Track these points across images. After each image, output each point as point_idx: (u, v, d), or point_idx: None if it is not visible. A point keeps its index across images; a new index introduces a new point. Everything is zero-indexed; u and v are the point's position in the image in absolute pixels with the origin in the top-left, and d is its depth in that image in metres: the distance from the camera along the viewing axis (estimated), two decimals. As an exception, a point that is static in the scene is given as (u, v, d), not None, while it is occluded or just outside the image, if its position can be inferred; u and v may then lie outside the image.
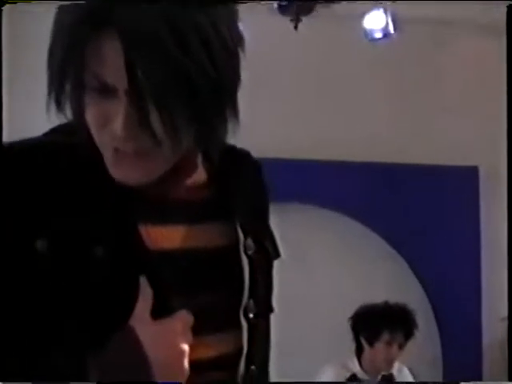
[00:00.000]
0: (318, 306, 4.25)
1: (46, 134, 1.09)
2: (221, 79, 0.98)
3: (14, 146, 1.05)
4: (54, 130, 1.09)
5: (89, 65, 0.96)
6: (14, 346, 0.99)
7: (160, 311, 1.04)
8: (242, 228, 1.15)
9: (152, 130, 0.97)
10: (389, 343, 3.51)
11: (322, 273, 4.33)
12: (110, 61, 0.95)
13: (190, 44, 0.94)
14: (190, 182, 1.11)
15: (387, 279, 4.41)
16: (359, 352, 3.59)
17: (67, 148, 1.05)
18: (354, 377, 3.56)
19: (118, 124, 0.97)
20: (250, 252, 1.15)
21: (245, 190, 1.19)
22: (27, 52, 3.29)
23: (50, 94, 1.01)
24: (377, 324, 3.52)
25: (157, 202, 1.08)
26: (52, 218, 1.02)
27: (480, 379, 4.34)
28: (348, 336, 3.66)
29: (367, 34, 3.94)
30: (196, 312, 1.06)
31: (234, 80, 1.02)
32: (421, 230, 4.41)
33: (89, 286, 1.01)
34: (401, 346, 3.53)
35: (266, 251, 1.21)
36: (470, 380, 4.20)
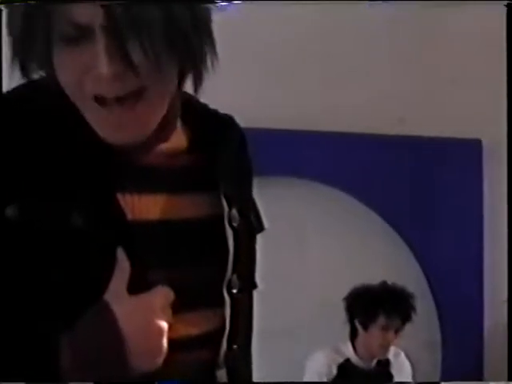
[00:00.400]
0: (311, 285, 4.02)
1: (16, 89, 1.04)
2: (195, 9, 0.98)
3: None
4: (25, 86, 1.03)
5: (58, 14, 0.94)
6: None
7: (138, 286, 1.00)
8: (226, 198, 1.11)
9: (134, 64, 0.94)
10: (385, 328, 3.30)
11: (315, 250, 4.10)
12: (85, 4, 0.93)
13: None
14: (169, 146, 1.08)
15: (384, 258, 4.18)
16: (353, 336, 3.38)
17: (40, 106, 1.01)
18: (347, 362, 3.36)
19: (101, 63, 0.94)
20: (234, 224, 1.11)
21: (228, 159, 1.14)
22: None
23: (13, 61, 0.98)
24: (373, 307, 3.30)
25: (136, 169, 1.04)
26: (24, 183, 0.97)
27: (481, 364, 4.12)
28: (341, 318, 3.46)
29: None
30: (176, 287, 1.02)
31: (208, 14, 1.01)
32: (420, 207, 4.18)
33: (62, 256, 0.97)
34: (397, 331, 3.32)
35: (250, 224, 1.17)
36: (470, 365, 4.02)
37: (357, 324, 3.36)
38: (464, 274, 4.16)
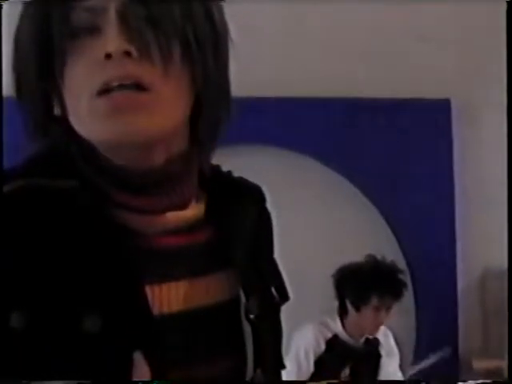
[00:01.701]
0: (287, 257, 3.91)
1: (21, 176, 0.90)
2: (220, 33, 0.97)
3: None
4: (30, 173, 0.91)
5: (71, 3, 0.90)
6: None
7: None
8: (243, 281, 1.01)
9: (147, 45, 0.89)
10: (377, 308, 3.20)
11: (287, 220, 3.98)
12: None
13: None
14: (187, 215, 0.99)
15: (358, 226, 4.10)
16: (342, 313, 3.28)
17: (51, 194, 0.89)
18: (335, 338, 3.27)
19: (111, 42, 0.88)
20: (252, 315, 1.01)
21: (244, 227, 1.04)
22: None
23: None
24: (365, 289, 3.19)
25: (156, 253, 0.94)
26: (31, 284, 0.85)
27: (456, 328, 4.10)
28: (320, 290, 3.36)
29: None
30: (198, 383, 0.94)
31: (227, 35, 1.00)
32: (391, 172, 4.09)
33: (73, 365, 0.85)
34: (388, 309, 3.24)
35: (272, 299, 1.07)
36: (445, 329, 4.01)
37: (348, 304, 3.26)
38: (436, 237, 4.11)
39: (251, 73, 3.83)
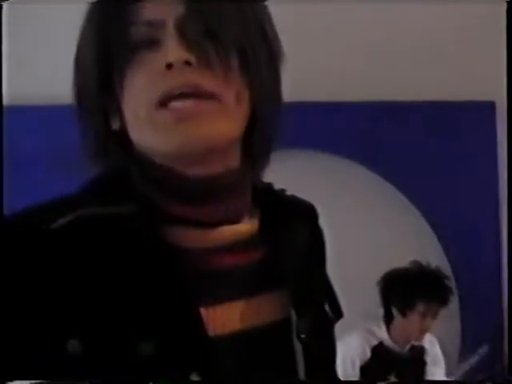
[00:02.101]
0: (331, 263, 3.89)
1: (80, 205, 0.92)
2: (273, 44, 0.98)
3: (44, 225, 0.88)
4: (88, 201, 0.93)
5: (128, 19, 0.91)
6: None
7: None
8: (294, 299, 0.99)
9: (206, 54, 0.90)
10: (424, 314, 3.17)
11: (329, 223, 3.96)
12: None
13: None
14: (240, 229, 0.99)
15: (402, 232, 4.06)
16: (388, 320, 3.26)
17: (109, 222, 0.90)
18: (380, 344, 3.24)
19: (172, 50, 0.90)
20: (303, 335, 0.99)
21: (297, 245, 1.04)
22: None
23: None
24: (411, 295, 3.16)
25: (211, 273, 0.94)
26: (87, 312, 0.86)
27: (501, 333, 4.05)
28: (363, 297, 3.33)
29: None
30: None
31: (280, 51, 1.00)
32: (435, 176, 4.05)
33: None
34: (434, 315, 3.20)
35: (325, 316, 1.07)
36: (490, 334, 3.95)
37: (393, 310, 3.23)
38: (480, 241, 4.06)
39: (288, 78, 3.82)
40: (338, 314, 1.10)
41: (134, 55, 0.93)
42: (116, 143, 0.97)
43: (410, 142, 4.07)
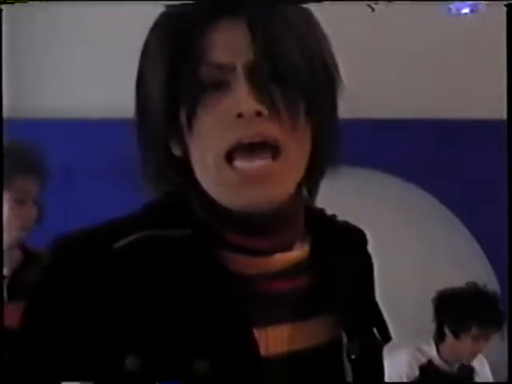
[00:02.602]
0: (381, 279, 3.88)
1: (140, 228, 0.94)
2: (334, 73, 0.98)
3: (107, 245, 0.92)
4: (148, 224, 0.96)
5: (198, 59, 0.92)
6: None
7: None
8: (342, 322, 1.02)
9: (276, 105, 0.91)
10: (477, 337, 3.14)
11: (380, 240, 3.95)
12: (227, 41, 0.92)
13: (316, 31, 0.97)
14: (292, 257, 1.00)
15: (449, 247, 4.04)
16: (439, 339, 3.24)
17: (166, 244, 0.94)
18: (429, 363, 3.22)
19: (242, 99, 0.90)
20: (353, 356, 1.02)
21: (347, 271, 1.05)
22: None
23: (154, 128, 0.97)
24: (466, 317, 3.13)
25: (263, 298, 0.97)
26: (145, 329, 0.90)
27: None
28: (410, 312, 3.32)
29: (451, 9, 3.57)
30: None
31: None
32: (489, 199, 4.03)
33: None
34: (488, 338, 3.17)
35: (374, 340, 1.08)
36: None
37: (446, 330, 3.21)
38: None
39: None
40: (387, 337, 1.11)
41: (202, 94, 0.93)
42: (176, 169, 0.99)
43: (463, 162, 4.06)
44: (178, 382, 0.91)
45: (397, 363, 3.19)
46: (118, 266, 0.92)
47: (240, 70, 0.92)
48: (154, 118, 0.96)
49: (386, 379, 3.27)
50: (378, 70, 4.02)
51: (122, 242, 0.93)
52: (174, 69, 0.94)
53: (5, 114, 3.55)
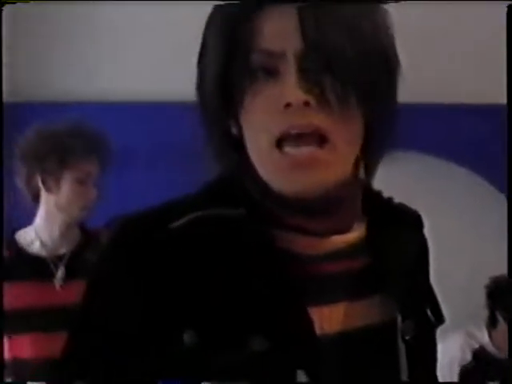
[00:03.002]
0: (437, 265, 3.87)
1: (197, 207, 0.98)
2: (393, 63, 0.98)
3: (166, 224, 0.96)
4: (205, 203, 0.99)
5: (251, 46, 0.94)
6: None
7: None
8: (399, 304, 1.03)
9: (325, 95, 0.91)
10: None
11: (433, 224, 3.93)
12: (278, 28, 0.93)
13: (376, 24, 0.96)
14: (349, 238, 1.02)
15: (503, 234, 4.02)
16: (491, 324, 3.23)
17: (222, 223, 0.97)
18: (481, 349, 3.22)
19: (292, 89, 0.91)
20: (407, 337, 1.02)
21: (403, 253, 1.06)
22: None
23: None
24: None
25: (319, 278, 0.99)
26: (202, 305, 0.93)
27: None
28: (461, 298, 3.31)
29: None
30: None
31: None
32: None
33: (240, 381, 0.92)
34: None
35: (427, 321, 1.08)
36: None
37: (498, 316, 3.21)
38: None
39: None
40: (440, 319, 1.12)
41: (253, 79, 0.95)
42: (233, 148, 1.01)
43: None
44: (178, 381, 0.94)
45: (449, 347, 3.19)
46: (176, 245, 0.95)
47: (290, 58, 0.93)
48: (212, 100, 0.99)
49: (438, 365, 3.25)
50: (436, 55, 4.02)
51: (178, 222, 0.96)
52: (228, 54, 0.96)
53: (64, 98, 3.64)
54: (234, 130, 1.00)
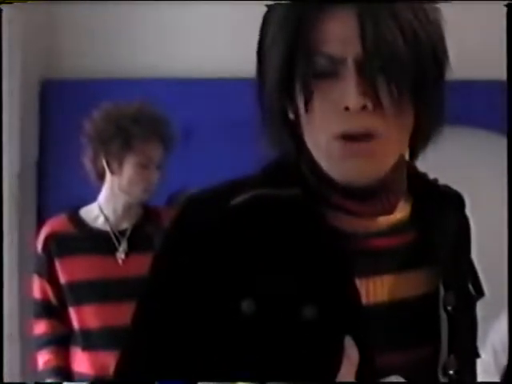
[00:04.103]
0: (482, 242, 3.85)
1: (254, 187, 1.06)
2: (443, 57, 1.03)
3: (226, 201, 1.04)
4: (261, 183, 1.07)
5: (313, 48, 0.99)
6: None
7: (365, 373, 1.00)
8: (443, 276, 1.10)
9: (381, 101, 0.98)
10: None
11: (485, 206, 3.94)
12: (339, 33, 0.98)
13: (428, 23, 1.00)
14: (393, 219, 1.09)
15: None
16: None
17: (277, 202, 1.04)
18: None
19: (351, 96, 0.97)
20: (449, 307, 1.09)
21: (446, 231, 1.13)
22: None
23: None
24: None
25: (366, 253, 1.06)
26: (259, 276, 1.01)
27: None
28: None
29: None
30: (395, 370, 1.04)
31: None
32: None
33: (292, 348, 1.00)
34: None
35: (468, 295, 1.16)
36: None
37: None
38: None
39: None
40: (480, 293, 1.19)
41: (314, 79, 1.00)
42: (290, 132, 1.08)
43: None
44: (179, 382, 1.02)
45: (501, 328, 3.20)
46: (236, 220, 1.03)
47: (350, 63, 0.98)
48: (274, 90, 1.05)
49: (490, 346, 3.24)
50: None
51: (238, 199, 1.04)
52: (291, 51, 1.01)
53: (123, 74, 3.70)
54: (292, 116, 1.06)
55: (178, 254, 1.05)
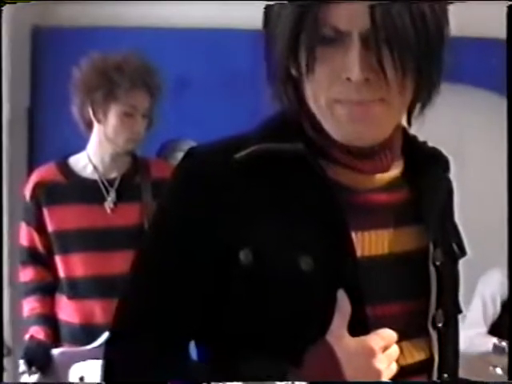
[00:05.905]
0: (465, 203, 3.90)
1: (256, 141, 1.08)
2: (445, 39, 1.05)
3: (229, 155, 1.07)
4: (263, 138, 1.09)
5: (321, 16, 1.01)
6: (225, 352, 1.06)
7: (357, 324, 1.03)
8: (431, 234, 1.14)
9: (385, 73, 1.00)
10: None
11: (474, 163, 3.93)
12: (347, 8, 1.00)
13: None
14: (387, 177, 1.13)
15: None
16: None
17: (279, 156, 1.07)
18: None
19: (353, 68, 0.99)
20: (437, 263, 1.14)
21: (434, 191, 1.18)
22: None
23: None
24: None
25: (361, 207, 1.10)
26: (258, 227, 1.04)
27: None
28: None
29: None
30: (387, 322, 1.07)
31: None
32: None
33: (288, 298, 1.03)
34: None
35: (453, 254, 1.21)
36: None
37: None
38: None
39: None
40: (463, 252, 1.24)
41: (319, 45, 1.03)
42: (293, 88, 1.10)
43: None
44: (180, 382, 1.03)
45: (489, 282, 3.23)
46: (239, 173, 1.06)
47: (355, 36, 1.01)
48: (279, 44, 1.06)
49: (479, 298, 3.27)
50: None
51: (242, 153, 1.07)
52: (300, 15, 1.03)
53: (120, 23, 3.64)
54: (295, 73, 1.07)
55: (182, 204, 1.08)
